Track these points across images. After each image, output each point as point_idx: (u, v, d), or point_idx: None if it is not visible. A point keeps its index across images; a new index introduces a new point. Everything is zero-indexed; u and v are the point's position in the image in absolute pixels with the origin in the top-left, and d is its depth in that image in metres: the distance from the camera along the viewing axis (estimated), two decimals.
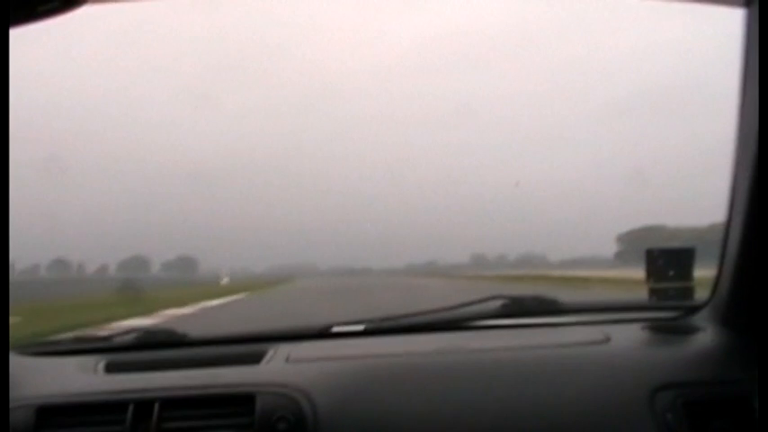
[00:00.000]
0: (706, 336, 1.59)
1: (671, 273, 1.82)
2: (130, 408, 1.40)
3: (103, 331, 1.85)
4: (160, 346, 1.77)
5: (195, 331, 1.82)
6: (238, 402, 1.42)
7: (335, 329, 1.80)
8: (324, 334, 1.80)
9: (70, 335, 1.85)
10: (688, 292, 1.82)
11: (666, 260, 1.83)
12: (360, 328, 1.81)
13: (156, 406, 1.40)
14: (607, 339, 1.61)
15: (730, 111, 1.48)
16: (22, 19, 1.06)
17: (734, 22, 1.44)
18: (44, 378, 1.56)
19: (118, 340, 1.80)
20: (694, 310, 1.71)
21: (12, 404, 1.37)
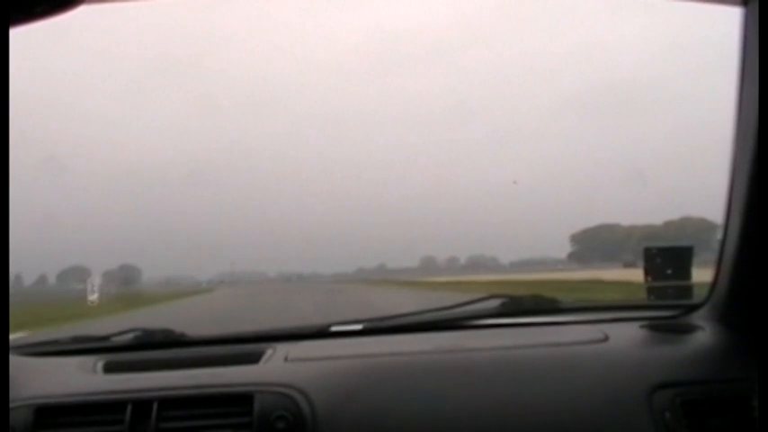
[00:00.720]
0: (704, 334, 1.60)
1: (669, 271, 1.82)
2: (129, 407, 1.40)
3: (102, 331, 1.84)
4: (158, 346, 1.77)
5: (192, 334, 1.82)
6: (237, 402, 1.42)
7: (334, 329, 1.80)
8: (322, 333, 1.80)
9: (69, 335, 1.85)
10: (686, 291, 1.82)
11: (664, 259, 1.84)
12: (358, 327, 1.81)
13: (155, 406, 1.40)
14: (605, 338, 1.61)
15: (728, 109, 1.48)
16: (20, 19, 1.06)
17: (732, 20, 1.45)
18: (43, 378, 1.56)
19: (116, 340, 1.81)
20: (693, 308, 1.71)
21: (11, 404, 1.37)
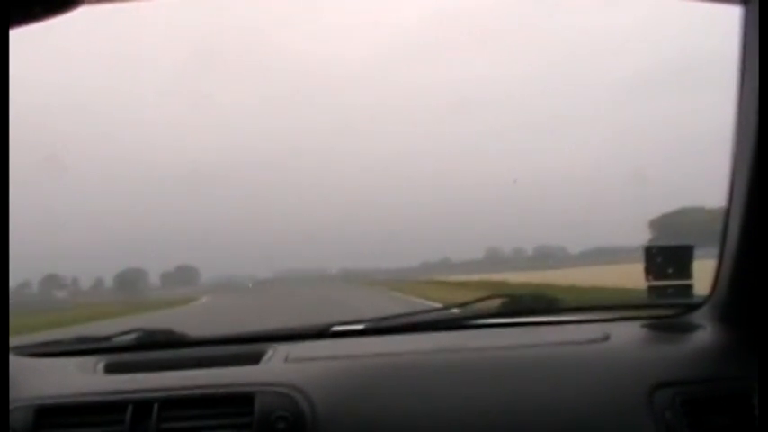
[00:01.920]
0: (705, 333, 1.59)
1: (670, 270, 1.82)
2: (130, 408, 1.40)
3: (103, 332, 1.84)
4: (159, 347, 1.77)
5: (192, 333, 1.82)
6: (237, 402, 1.42)
7: (335, 329, 1.80)
8: (323, 333, 1.80)
9: (70, 335, 1.85)
10: (687, 290, 1.82)
11: (665, 258, 1.83)
12: (359, 327, 1.81)
13: (156, 406, 1.40)
14: (606, 337, 1.61)
15: (728, 107, 1.48)
16: (19, 20, 1.07)
17: (732, 18, 1.44)
18: (43, 378, 1.56)
19: (117, 341, 1.81)
20: (693, 307, 1.71)
21: (11, 404, 1.37)
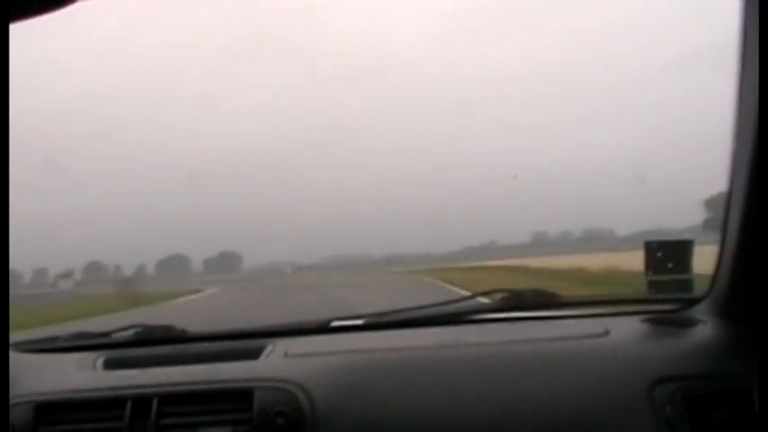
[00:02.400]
0: (705, 328, 1.59)
1: (669, 265, 1.82)
2: (129, 404, 1.40)
3: (102, 328, 1.84)
4: (158, 342, 1.77)
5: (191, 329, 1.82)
6: (237, 397, 1.42)
7: (334, 324, 1.80)
8: (323, 329, 1.80)
9: (69, 332, 1.85)
10: (687, 285, 1.82)
11: (665, 253, 1.83)
12: (359, 322, 1.81)
13: (155, 402, 1.40)
14: (606, 332, 1.61)
15: (727, 105, 1.47)
16: (16, 16, 1.06)
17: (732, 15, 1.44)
18: (43, 375, 1.56)
19: (116, 337, 1.81)
20: (693, 302, 1.70)
21: (11, 401, 1.37)
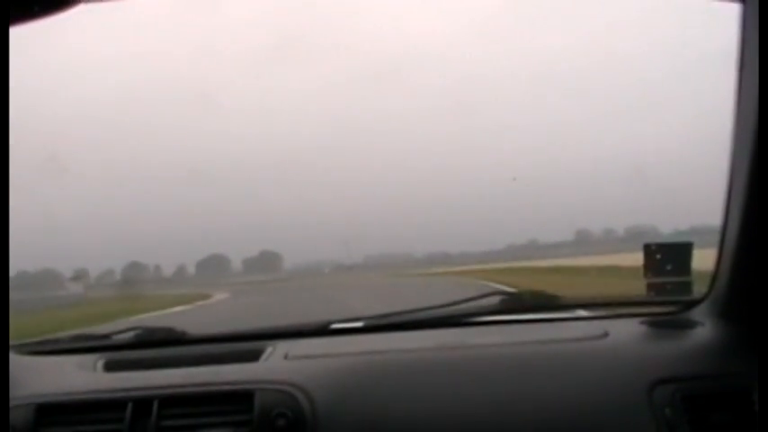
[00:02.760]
0: (704, 330, 1.60)
1: (669, 267, 1.82)
2: (129, 406, 1.40)
3: (103, 329, 1.85)
4: (159, 344, 1.77)
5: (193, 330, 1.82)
6: (237, 399, 1.42)
7: (334, 326, 1.80)
8: (323, 331, 1.80)
9: (69, 333, 1.85)
10: (686, 287, 1.82)
11: (664, 255, 1.83)
12: (359, 324, 1.81)
13: (155, 404, 1.40)
14: (605, 334, 1.61)
15: (727, 106, 1.48)
16: (18, 18, 1.06)
17: (731, 16, 1.44)
18: (43, 377, 1.56)
19: (117, 338, 1.81)
20: (692, 304, 1.71)
21: (11, 403, 1.37)
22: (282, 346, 1.66)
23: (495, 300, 1.81)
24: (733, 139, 1.47)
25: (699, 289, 1.75)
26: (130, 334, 1.80)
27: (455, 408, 1.41)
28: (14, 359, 1.62)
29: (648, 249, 1.85)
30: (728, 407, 1.39)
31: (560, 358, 1.52)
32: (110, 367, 1.63)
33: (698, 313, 1.67)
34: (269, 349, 1.64)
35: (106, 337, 1.82)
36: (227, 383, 1.46)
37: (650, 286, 1.86)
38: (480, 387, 1.45)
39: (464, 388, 1.45)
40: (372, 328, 1.81)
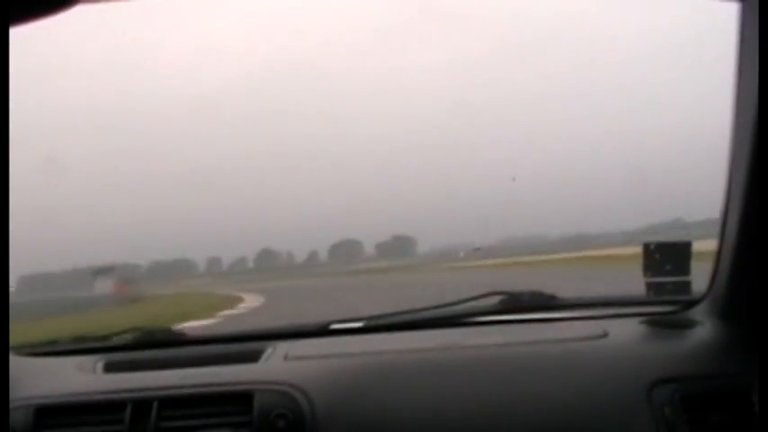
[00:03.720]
0: (704, 330, 1.60)
1: (668, 267, 1.82)
2: (129, 407, 1.40)
3: (101, 331, 1.85)
4: (158, 346, 1.77)
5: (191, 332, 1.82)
6: (237, 400, 1.42)
7: (334, 326, 1.80)
8: (322, 331, 1.80)
9: (68, 335, 1.85)
10: (685, 287, 1.82)
11: (663, 254, 1.83)
12: (358, 325, 1.81)
13: (155, 405, 1.40)
14: (605, 334, 1.61)
15: (726, 105, 1.48)
16: (18, 18, 1.06)
17: (729, 15, 1.44)
18: (43, 378, 1.56)
19: (116, 340, 1.81)
20: (692, 304, 1.71)
21: (11, 404, 1.37)
22: (282, 347, 1.65)
23: (494, 300, 1.81)
24: (732, 139, 1.47)
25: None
26: (130, 335, 1.80)
27: (455, 408, 1.41)
28: (14, 361, 1.62)
29: (647, 249, 1.85)
30: (728, 407, 1.39)
31: (559, 358, 1.52)
32: (109, 368, 1.63)
33: (697, 313, 1.67)
34: (268, 350, 1.64)
35: (105, 338, 1.82)
36: (227, 384, 1.46)
37: (649, 286, 1.86)
38: (480, 387, 1.45)
39: (464, 388, 1.45)
40: (372, 328, 1.81)
